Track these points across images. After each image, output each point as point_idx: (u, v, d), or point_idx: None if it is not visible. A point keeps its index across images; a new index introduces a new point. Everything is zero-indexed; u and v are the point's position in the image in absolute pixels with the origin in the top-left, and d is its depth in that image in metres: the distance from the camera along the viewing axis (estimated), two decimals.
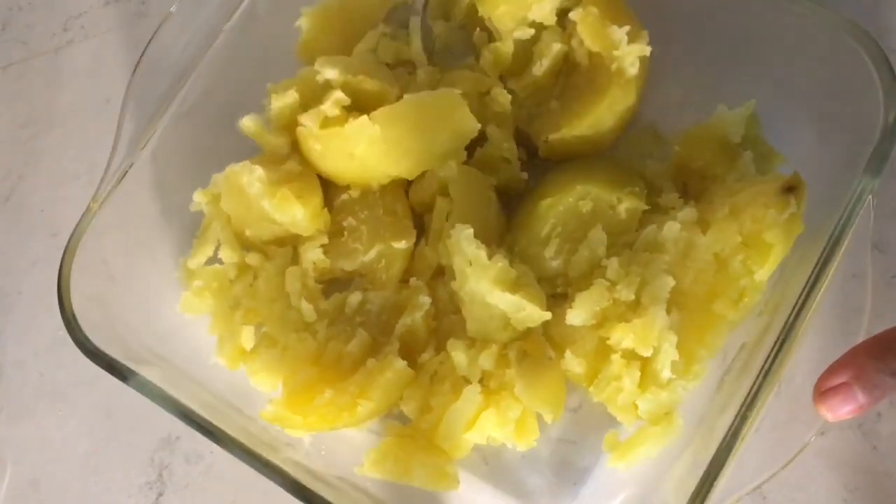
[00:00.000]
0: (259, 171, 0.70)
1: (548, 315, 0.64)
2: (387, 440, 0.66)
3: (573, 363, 0.63)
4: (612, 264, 0.64)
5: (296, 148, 0.74)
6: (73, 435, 0.78)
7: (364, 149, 0.68)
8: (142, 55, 0.72)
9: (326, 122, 0.70)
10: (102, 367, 0.63)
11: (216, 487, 0.73)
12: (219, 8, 0.75)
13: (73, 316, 0.65)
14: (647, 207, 0.68)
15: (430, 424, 0.65)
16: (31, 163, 0.92)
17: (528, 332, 0.66)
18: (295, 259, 0.73)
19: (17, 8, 1.02)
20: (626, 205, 0.67)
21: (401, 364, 0.65)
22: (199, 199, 0.74)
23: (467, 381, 0.65)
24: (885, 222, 0.55)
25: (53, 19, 1.00)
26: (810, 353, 0.63)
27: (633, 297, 0.63)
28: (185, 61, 0.73)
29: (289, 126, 0.73)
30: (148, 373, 0.63)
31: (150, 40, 0.72)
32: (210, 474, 0.73)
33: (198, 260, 0.73)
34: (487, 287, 0.62)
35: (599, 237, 0.66)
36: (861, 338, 0.54)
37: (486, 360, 0.65)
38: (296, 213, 0.70)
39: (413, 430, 0.66)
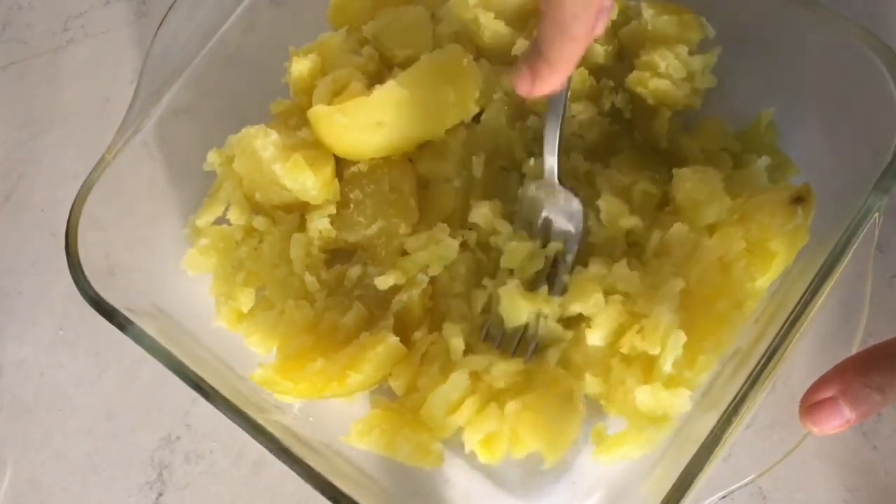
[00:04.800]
0: (274, 135, 0.70)
1: None
2: (374, 412, 0.66)
3: (592, 384, 0.62)
4: (634, 279, 0.63)
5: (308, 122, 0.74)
6: (73, 435, 0.78)
7: (393, 114, 0.69)
8: (168, 12, 0.72)
9: (340, 93, 0.71)
10: (103, 315, 0.63)
11: (216, 487, 0.73)
12: None
13: (79, 263, 0.65)
14: (656, 192, 0.68)
15: (416, 403, 0.65)
16: (31, 163, 0.91)
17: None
18: (301, 226, 0.74)
19: (17, 8, 1.02)
20: (642, 187, 0.67)
21: (393, 340, 0.65)
22: (213, 159, 0.75)
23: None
24: (885, 222, 0.54)
25: (53, 19, 1.00)
26: (809, 352, 0.63)
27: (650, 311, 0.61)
28: (211, 21, 0.74)
29: (307, 91, 0.74)
30: (146, 325, 0.63)
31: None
32: (210, 474, 0.73)
33: (206, 219, 0.74)
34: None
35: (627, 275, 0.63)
36: (859, 338, 0.54)
37: None
38: (306, 180, 0.70)
39: (400, 406, 0.66)
